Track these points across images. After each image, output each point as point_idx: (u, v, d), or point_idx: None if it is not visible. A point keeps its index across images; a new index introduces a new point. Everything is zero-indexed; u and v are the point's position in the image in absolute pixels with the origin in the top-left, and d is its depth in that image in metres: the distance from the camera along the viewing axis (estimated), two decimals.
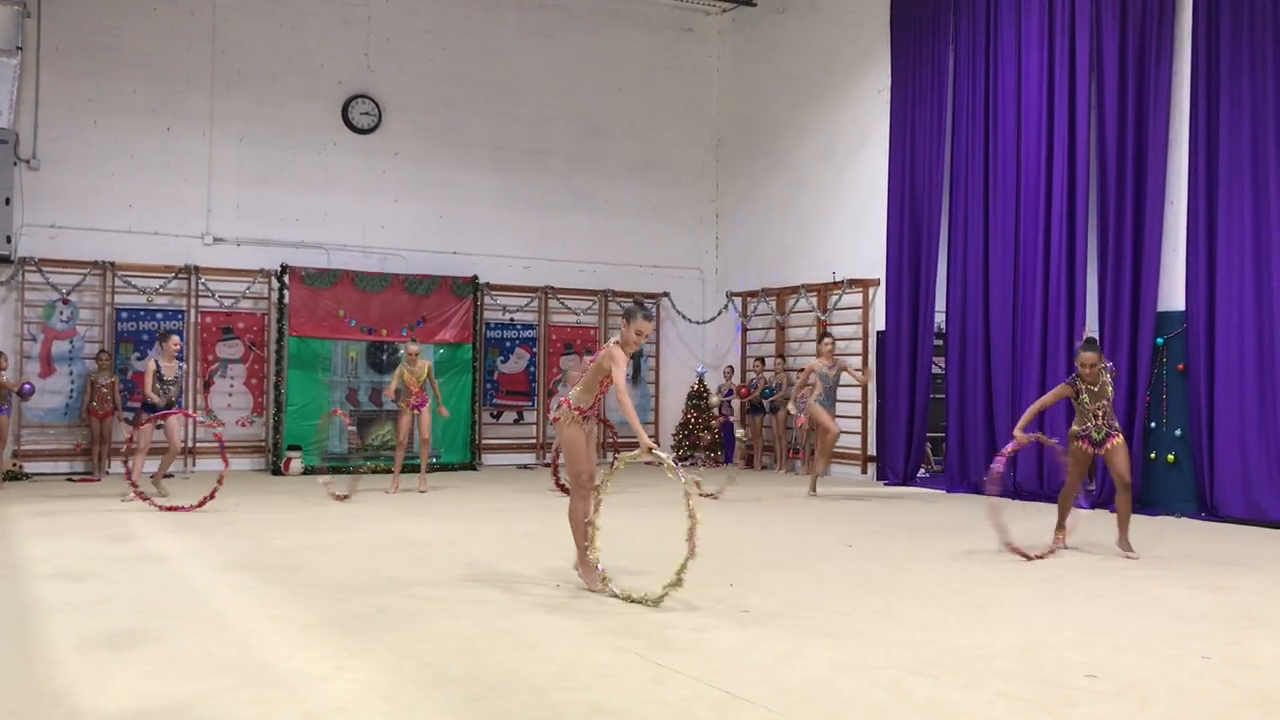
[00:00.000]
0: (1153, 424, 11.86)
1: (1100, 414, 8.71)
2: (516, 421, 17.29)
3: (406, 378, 12.78)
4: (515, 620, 6.02)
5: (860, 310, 15.75)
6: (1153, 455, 11.87)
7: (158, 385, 11.61)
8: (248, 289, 15.64)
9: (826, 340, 13.36)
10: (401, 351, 13.72)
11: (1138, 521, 10.99)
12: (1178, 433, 11.64)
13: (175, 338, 12.13)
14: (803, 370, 13.43)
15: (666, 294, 18.46)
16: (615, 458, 6.83)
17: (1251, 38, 11.12)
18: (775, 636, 5.70)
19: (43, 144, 14.70)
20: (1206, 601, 6.88)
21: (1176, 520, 11.11)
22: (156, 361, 11.71)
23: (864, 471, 15.52)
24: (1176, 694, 4.78)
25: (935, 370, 14.75)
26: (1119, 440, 8.76)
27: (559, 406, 7.16)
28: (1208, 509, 11.19)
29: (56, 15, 14.80)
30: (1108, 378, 8.71)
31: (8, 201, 14.08)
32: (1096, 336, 12.43)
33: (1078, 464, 8.93)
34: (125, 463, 11.13)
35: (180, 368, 12.13)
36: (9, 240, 14.10)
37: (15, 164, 14.30)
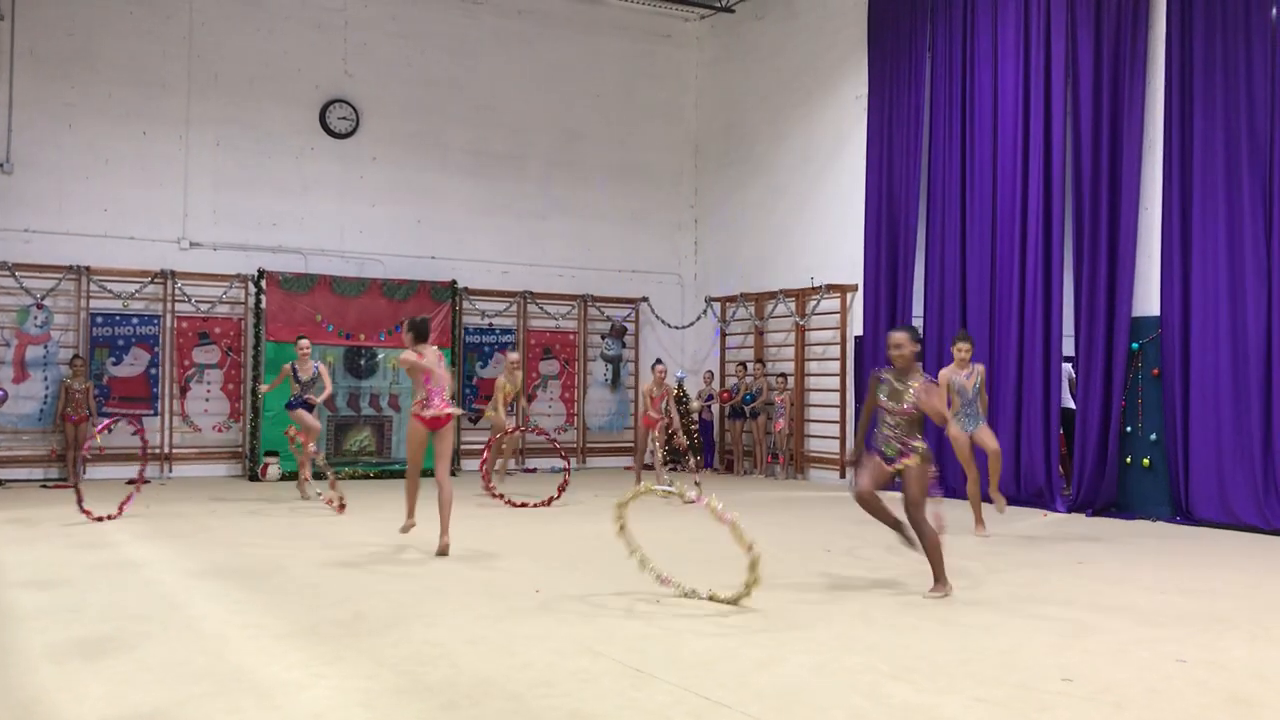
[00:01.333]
0: (1128, 429, 11.94)
1: (895, 425, 7.29)
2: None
3: (507, 390, 13.36)
4: (492, 626, 6.01)
5: (838, 315, 15.79)
6: (1128, 459, 11.94)
7: (295, 386, 12.34)
8: (224, 294, 15.55)
9: (963, 346, 10.16)
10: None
11: (1111, 524, 11.09)
12: (1153, 437, 11.72)
13: (304, 341, 12.75)
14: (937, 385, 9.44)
15: (645, 299, 18.48)
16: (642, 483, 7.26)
17: (1224, 46, 11.21)
18: (753, 641, 5.71)
19: (17, 147, 14.60)
20: (1180, 605, 6.93)
21: (1152, 524, 11.18)
22: (293, 365, 12.40)
23: (842, 476, 15.55)
24: (1151, 697, 4.81)
25: None
26: (911, 461, 7.18)
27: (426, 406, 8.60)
28: (1183, 513, 11.26)
29: (31, 18, 14.69)
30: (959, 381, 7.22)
31: None
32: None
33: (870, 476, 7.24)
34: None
35: (316, 367, 12.51)
36: None
37: None
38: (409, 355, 8.74)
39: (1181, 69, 11.53)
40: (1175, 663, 5.39)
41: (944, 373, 10.20)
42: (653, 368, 13.58)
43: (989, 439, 10.17)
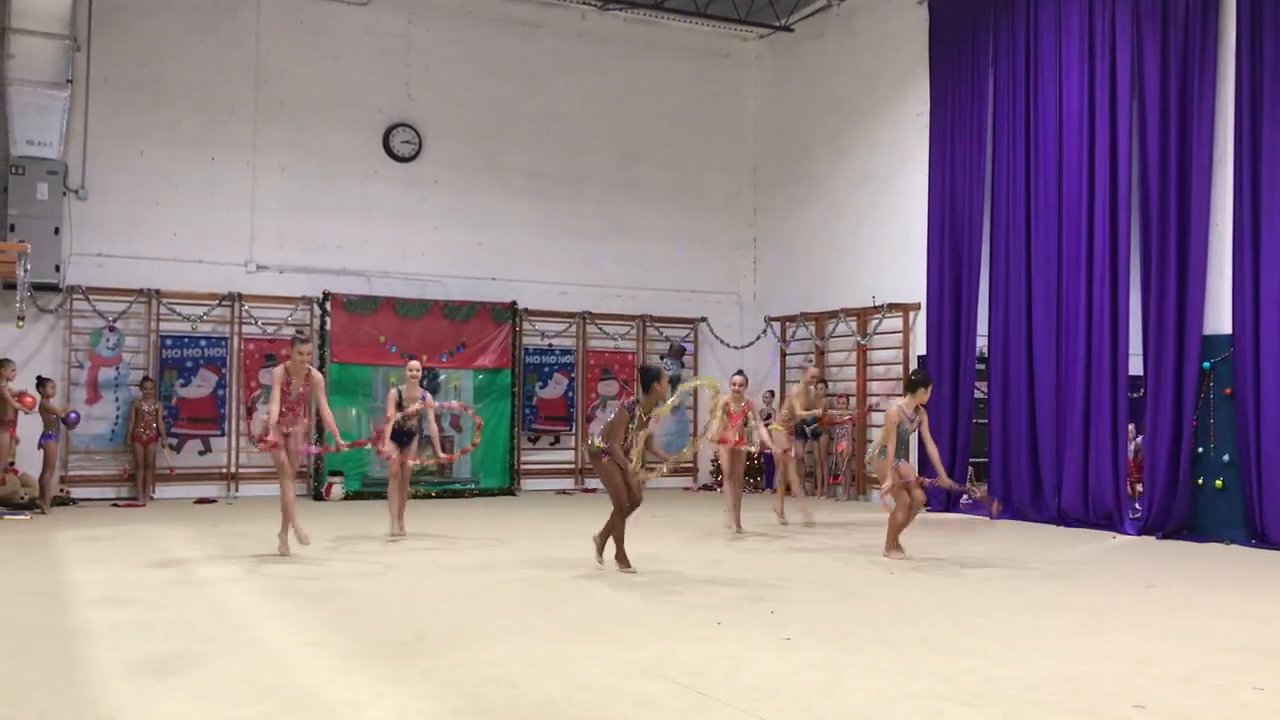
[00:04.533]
0: (1200, 449, 11.67)
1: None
2: (553, 445, 17.30)
3: (732, 410, 11.58)
4: (552, 647, 6.01)
5: (901, 334, 15.66)
6: (1200, 481, 11.67)
7: (397, 411, 10.86)
8: (290, 316, 15.80)
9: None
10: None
11: (1183, 548, 10.85)
12: (1225, 458, 11.44)
13: (415, 363, 11.29)
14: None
15: (704, 319, 18.46)
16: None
17: None
18: (815, 665, 5.65)
19: (91, 174, 14.98)
20: (1256, 631, 6.75)
21: (1225, 547, 10.91)
22: (399, 391, 11.01)
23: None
24: None
25: (978, 395, 14.61)
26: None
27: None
28: (1257, 536, 10.97)
29: (105, 48, 15.10)
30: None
31: (57, 231, 14.35)
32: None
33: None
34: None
35: (423, 395, 11.09)
36: (58, 269, 14.37)
37: (64, 194, 14.58)
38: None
39: (1252, 80, 11.30)
40: (1252, 691, 5.25)
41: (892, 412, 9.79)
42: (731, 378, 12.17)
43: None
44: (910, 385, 9.94)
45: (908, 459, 10.32)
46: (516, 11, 17.50)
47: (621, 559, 8.81)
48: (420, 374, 11.17)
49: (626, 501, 8.76)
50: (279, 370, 9.70)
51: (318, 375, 9.87)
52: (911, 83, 15.70)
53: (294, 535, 9.52)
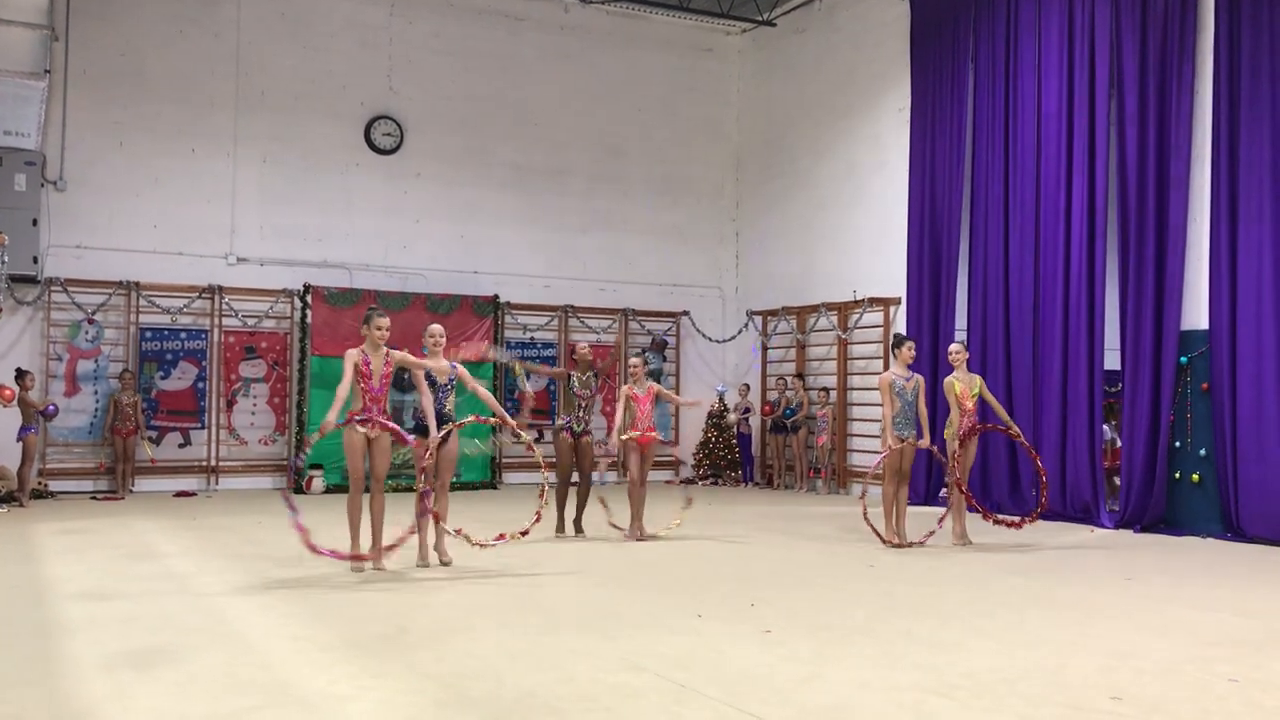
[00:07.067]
0: (1177, 443, 11.77)
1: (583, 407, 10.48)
2: (537, 440, 17.26)
3: (959, 390, 10.26)
4: (535, 640, 6.02)
5: (881, 329, 15.71)
6: (1177, 475, 11.77)
7: (430, 387, 8.60)
8: (270, 308, 15.75)
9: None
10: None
11: (1160, 541, 10.94)
12: (1202, 452, 11.54)
13: (437, 327, 8.91)
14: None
15: (686, 313, 18.49)
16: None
17: (1273, 55, 11.06)
18: (797, 657, 5.68)
19: (69, 166, 14.87)
20: (1232, 623, 6.83)
21: (1202, 541, 11.01)
22: (426, 370, 8.62)
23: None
24: (1203, 717, 4.74)
25: None
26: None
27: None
28: (1234, 530, 11.08)
29: (84, 39, 14.98)
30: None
31: (35, 222, 14.26)
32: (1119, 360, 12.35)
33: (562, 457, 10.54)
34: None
35: (454, 368, 8.76)
36: (36, 261, 14.28)
37: (43, 185, 14.49)
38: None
39: (1230, 78, 11.39)
40: (1228, 682, 5.30)
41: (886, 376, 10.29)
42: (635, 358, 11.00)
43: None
44: (892, 348, 10.45)
45: (921, 433, 10.14)
46: (499, 4, 17.46)
47: (575, 524, 10.57)
48: (444, 341, 8.88)
49: (568, 474, 10.50)
50: (354, 354, 7.93)
51: (399, 353, 8.23)
52: (893, 78, 15.75)
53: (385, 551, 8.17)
